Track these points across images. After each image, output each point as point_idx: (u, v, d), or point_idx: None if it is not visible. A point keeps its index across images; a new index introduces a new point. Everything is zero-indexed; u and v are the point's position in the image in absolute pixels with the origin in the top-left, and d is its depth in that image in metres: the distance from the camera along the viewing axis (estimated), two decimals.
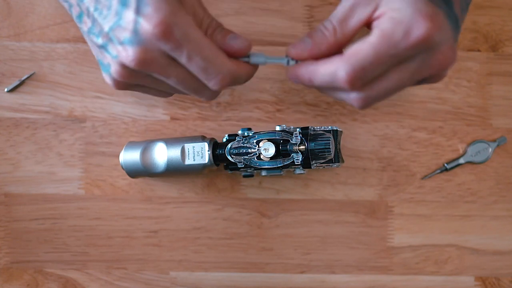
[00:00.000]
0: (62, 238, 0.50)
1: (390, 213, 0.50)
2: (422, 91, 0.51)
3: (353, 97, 0.35)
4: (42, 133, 0.50)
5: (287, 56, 0.38)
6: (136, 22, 0.33)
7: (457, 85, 0.51)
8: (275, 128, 0.46)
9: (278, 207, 0.50)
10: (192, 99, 0.51)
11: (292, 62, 0.37)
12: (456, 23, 0.35)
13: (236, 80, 0.37)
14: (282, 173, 0.46)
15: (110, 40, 0.35)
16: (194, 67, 0.35)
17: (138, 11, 0.33)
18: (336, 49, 0.36)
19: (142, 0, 0.33)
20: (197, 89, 0.37)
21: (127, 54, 0.34)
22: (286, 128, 0.45)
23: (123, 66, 0.35)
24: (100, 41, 0.36)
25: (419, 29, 0.32)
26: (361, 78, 0.33)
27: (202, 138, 0.46)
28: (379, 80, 0.34)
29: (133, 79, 0.37)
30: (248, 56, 0.37)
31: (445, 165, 0.50)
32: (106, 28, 0.35)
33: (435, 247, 0.51)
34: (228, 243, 0.50)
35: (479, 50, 0.51)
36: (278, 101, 0.51)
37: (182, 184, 0.50)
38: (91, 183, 0.50)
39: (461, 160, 0.50)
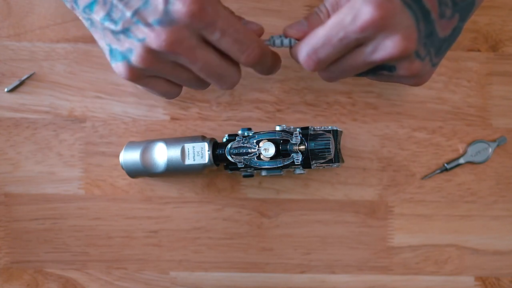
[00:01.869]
0: (62, 238, 0.50)
1: (390, 213, 0.50)
2: (422, 91, 0.51)
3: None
4: (42, 133, 0.50)
5: (285, 36, 0.40)
6: (167, 3, 0.34)
7: (457, 85, 0.51)
8: (275, 128, 0.46)
9: (278, 207, 0.50)
10: (192, 99, 0.51)
11: (294, 42, 0.39)
12: (423, 15, 0.35)
13: (264, 59, 0.38)
14: (282, 173, 0.46)
15: (134, 24, 0.35)
16: (227, 41, 0.36)
17: None
18: None
19: None
20: (221, 74, 0.38)
21: (157, 35, 0.34)
22: (286, 128, 0.45)
23: (149, 50, 0.35)
24: (119, 27, 0.36)
25: (366, 14, 0.34)
26: (316, 61, 0.37)
27: (202, 138, 0.46)
28: (334, 64, 0.38)
29: (156, 65, 0.37)
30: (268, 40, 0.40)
31: (445, 165, 0.50)
32: (129, 12, 0.35)
33: (435, 247, 0.51)
34: (228, 243, 0.50)
35: (479, 50, 0.51)
36: (278, 101, 0.51)
37: (182, 184, 0.50)
38: (91, 183, 0.50)
39: (461, 160, 0.50)
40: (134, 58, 0.36)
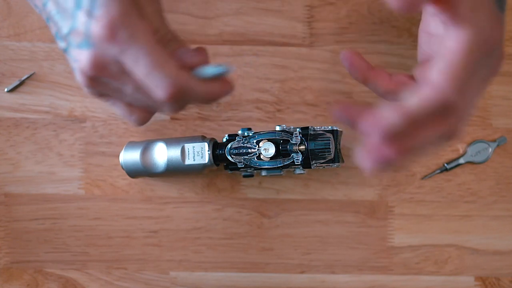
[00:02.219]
0: (62, 238, 0.50)
1: (390, 213, 0.50)
2: None
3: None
4: (42, 133, 0.50)
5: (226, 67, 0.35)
6: (87, 25, 0.32)
7: None
8: (275, 128, 0.46)
9: (278, 207, 0.50)
10: None
11: (229, 69, 0.34)
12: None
13: (189, 93, 0.34)
14: (282, 173, 0.46)
15: (69, 44, 0.34)
16: (139, 72, 0.32)
17: (89, 14, 0.32)
18: None
19: (94, 1, 0.32)
20: (153, 103, 0.35)
21: (81, 57, 0.33)
22: (286, 128, 0.45)
23: (82, 72, 0.34)
24: (63, 45, 0.35)
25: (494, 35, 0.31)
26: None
27: (202, 138, 0.46)
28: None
29: (95, 86, 0.35)
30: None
31: (445, 165, 0.50)
32: (64, 31, 0.34)
33: (435, 247, 0.51)
34: (228, 243, 0.50)
35: None
36: (278, 101, 0.51)
37: (182, 184, 0.50)
38: (91, 183, 0.50)
39: (461, 160, 0.50)
40: (77, 76, 0.35)
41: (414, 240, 0.50)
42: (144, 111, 0.38)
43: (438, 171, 0.50)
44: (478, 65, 0.30)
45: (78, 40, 0.33)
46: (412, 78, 0.42)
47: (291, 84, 0.51)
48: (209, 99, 0.35)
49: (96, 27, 0.32)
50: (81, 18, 0.33)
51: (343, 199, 0.50)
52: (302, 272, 0.50)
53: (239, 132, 0.46)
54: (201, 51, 0.36)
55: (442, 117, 0.30)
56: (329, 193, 0.50)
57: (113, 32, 0.31)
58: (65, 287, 0.50)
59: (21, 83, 0.50)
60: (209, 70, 0.34)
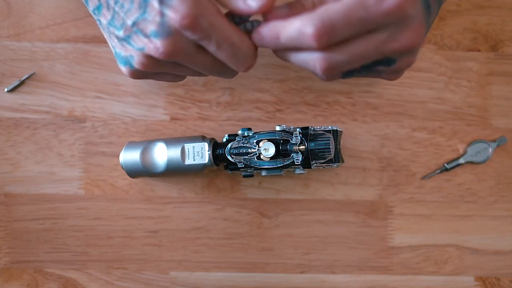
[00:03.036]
0: (62, 238, 0.50)
1: (390, 213, 0.50)
2: (422, 91, 0.51)
3: (316, 58, 0.34)
4: (42, 133, 0.50)
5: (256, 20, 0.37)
6: (162, 15, 0.34)
7: (457, 85, 0.51)
8: (275, 128, 0.46)
9: (278, 207, 0.50)
10: (192, 99, 0.51)
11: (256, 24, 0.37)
12: (427, 6, 0.35)
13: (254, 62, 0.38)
14: (282, 173, 0.46)
15: (134, 33, 0.36)
16: (223, 54, 0.36)
17: (163, 3, 0.33)
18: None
19: None
20: (222, 71, 0.39)
21: (155, 46, 0.35)
22: (286, 128, 0.45)
23: (149, 58, 0.36)
24: (121, 33, 0.36)
25: None
26: (329, 35, 0.32)
27: (202, 138, 0.46)
28: (345, 43, 0.33)
29: (157, 69, 0.38)
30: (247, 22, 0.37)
31: (445, 165, 0.50)
32: (129, 21, 0.35)
33: (435, 247, 0.51)
34: (228, 243, 0.50)
35: (479, 50, 0.51)
36: (278, 101, 0.51)
37: (182, 184, 0.50)
38: (91, 183, 0.50)
39: (461, 160, 0.50)
40: (135, 64, 0.37)
41: (414, 240, 0.50)
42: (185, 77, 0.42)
43: (438, 171, 0.50)
44: (360, 24, 0.32)
45: (150, 30, 0.35)
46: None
47: (291, 84, 0.51)
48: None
49: (176, 18, 0.33)
50: (153, 8, 0.34)
51: (343, 199, 0.50)
52: (302, 272, 0.50)
53: (239, 132, 0.46)
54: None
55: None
56: (329, 193, 0.50)
57: (194, 22, 0.33)
58: (65, 287, 0.50)
59: (21, 83, 0.50)
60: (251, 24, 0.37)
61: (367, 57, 0.35)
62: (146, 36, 0.35)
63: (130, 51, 0.37)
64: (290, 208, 0.50)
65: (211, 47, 0.35)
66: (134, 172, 0.47)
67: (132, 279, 0.50)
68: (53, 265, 0.50)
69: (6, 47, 0.50)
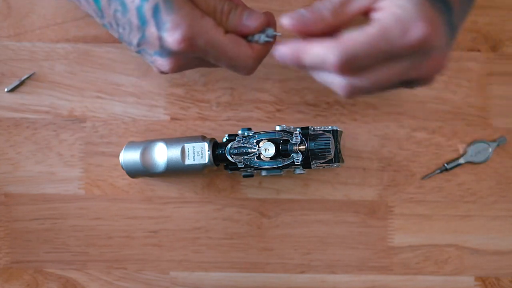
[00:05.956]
0: (62, 238, 0.50)
1: (390, 213, 0.50)
2: (422, 91, 0.51)
3: (338, 82, 0.34)
4: (42, 133, 0.50)
5: (268, 31, 0.39)
6: (161, 39, 0.36)
7: (457, 85, 0.51)
8: (275, 128, 0.46)
9: (278, 207, 0.50)
10: (192, 99, 0.51)
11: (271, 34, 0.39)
12: (452, 32, 0.35)
13: (258, 65, 0.40)
14: (282, 173, 0.46)
15: (142, 50, 0.38)
16: (222, 65, 0.39)
17: (159, 28, 0.35)
18: (330, 31, 0.35)
19: (158, 17, 0.35)
20: (234, 70, 0.40)
21: (162, 63, 0.38)
22: (286, 128, 0.45)
23: (161, 70, 0.39)
24: (133, 48, 0.39)
25: (418, 31, 0.31)
26: (351, 66, 0.32)
27: (202, 138, 0.46)
28: (367, 71, 0.33)
29: (177, 71, 0.40)
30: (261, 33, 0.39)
31: (445, 165, 0.50)
32: (134, 41, 0.38)
33: (435, 247, 0.51)
34: (228, 243, 0.50)
35: (479, 50, 0.51)
36: (278, 101, 0.51)
37: (182, 184, 0.50)
38: (91, 183, 0.50)
39: (461, 160, 0.50)
40: (155, 69, 0.40)
41: (414, 240, 0.50)
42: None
43: (438, 171, 0.50)
44: (383, 55, 0.32)
45: (154, 49, 0.37)
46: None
47: (291, 84, 0.51)
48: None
49: (173, 42, 0.35)
50: (151, 32, 0.36)
51: (343, 199, 0.50)
52: (302, 272, 0.50)
53: (239, 132, 0.46)
54: (257, 14, 0.39)
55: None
56: (329, 193, 0.50)
57: (190, 44, 0.35)
58: (65, 287, 0.50)
59: (21, 83, 0.50)
60: (263, 38, 0.39)
61: (388, 84, 0.34)
62: (151, 55, 0.38)
63: (147, 60, 0.40)
64: (290, 208, 0.50)
65: (211, 60, 0.38)
66: (134, 172, 0.47)
67: (132, 279, 0.50)
68: (53, 265, 0.50)
69: (6, 47, 0.50)
